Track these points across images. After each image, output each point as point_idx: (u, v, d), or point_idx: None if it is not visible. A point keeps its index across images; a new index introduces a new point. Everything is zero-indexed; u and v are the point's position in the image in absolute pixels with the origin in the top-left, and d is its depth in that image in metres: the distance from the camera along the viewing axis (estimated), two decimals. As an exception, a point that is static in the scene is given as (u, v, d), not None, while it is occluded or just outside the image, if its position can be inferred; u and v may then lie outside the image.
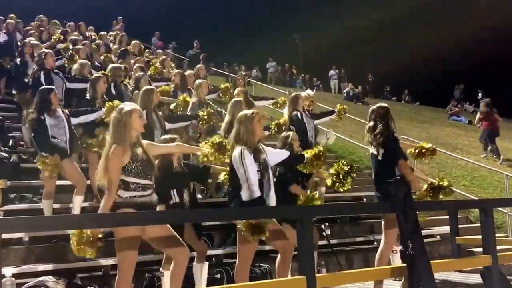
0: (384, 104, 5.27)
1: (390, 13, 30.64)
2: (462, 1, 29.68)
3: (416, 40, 30.63)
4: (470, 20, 28.89)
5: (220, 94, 9.22)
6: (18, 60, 9.26)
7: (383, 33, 31.34)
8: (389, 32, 30.98)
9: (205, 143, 4.92)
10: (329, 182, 5.38)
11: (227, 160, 4.72)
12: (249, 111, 4.59)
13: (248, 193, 4.30)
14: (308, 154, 5.04)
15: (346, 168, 5.20)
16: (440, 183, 5.63)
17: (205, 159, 4.86)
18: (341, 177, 5.20)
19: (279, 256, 4.69)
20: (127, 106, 4.09)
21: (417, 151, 5.66)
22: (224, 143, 4.76)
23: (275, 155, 4.72)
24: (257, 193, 4.30)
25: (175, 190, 5.03)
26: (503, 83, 27.41)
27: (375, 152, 5.00)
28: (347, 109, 8.68)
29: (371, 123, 5.08)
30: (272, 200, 4.40)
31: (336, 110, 8.41)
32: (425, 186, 5.71)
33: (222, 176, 5.30)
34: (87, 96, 7.05)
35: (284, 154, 4.88)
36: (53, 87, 6.37)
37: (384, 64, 28.19)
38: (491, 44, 28.98)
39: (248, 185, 4.28)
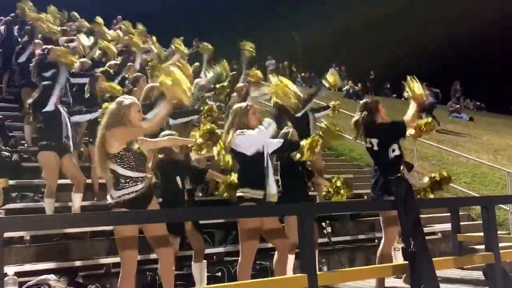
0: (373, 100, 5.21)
1: (391, 10, 30.61)
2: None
3: (416, 37, 30.59)
4: (471, 16, 28.85)
5: (216, 93, 9.22)
6: (23, 56, 9.23)
7: (383, 31, 31.30)
8: (389, 30, 30.94)
9: (196, 133, 4.90)
10: (323, 192, 5.39)
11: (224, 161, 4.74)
12: (244, 104, 4.62)
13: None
14: (304, 142, 4.97)
15: (339, 184, 5.20)
16: (441, 176, 5.67)
17: (198, 151, 4.84)
18: (336, 190, 5.21)
19: (276, 253, 4.69)
20: (127, 99, 4.06)
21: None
22: (215, 131, 4.74)
23: (271, 144, 4.69)
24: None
25: (178, 178, 5.05)
26: (503, 82, 27.38)
27: (369, 145, 4.93)
28: (340, 104, 8.62)
29: (357, 116, 5.01)
30: (272, 189, 4.39)
31: (330, 105, 8.38)
32: (426, 179, 5.72)
33: (230, 177, 5.24)
34: (86, 93, 7.14)
35: (279, 142, 4.87)
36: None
37: (384, 62, 28.18)
38: (492, 41, 28.94)
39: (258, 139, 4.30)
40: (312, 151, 4.90)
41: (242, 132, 4.35)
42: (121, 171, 3.85)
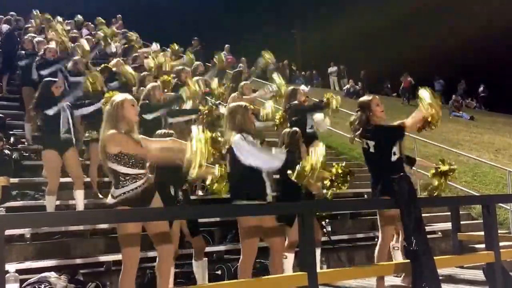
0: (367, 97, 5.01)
1: (391, 9, 30.59)
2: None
3: (416, 35, 30.59)
4: (471, 13, 28.85)
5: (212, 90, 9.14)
6: (23, 55, 9.24)
7: (382, 30, 31.27)
8: (388, 29, 30.91)
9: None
10: (327, 182, 5.26)
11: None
12: (243, 103, 4.59)
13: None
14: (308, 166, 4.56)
15: (345, 170, 5.01)
16: (445, 167, 5.63)
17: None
18: (340, 179, 5.04)
19: (271, 253, 4.69)
20: (118, 96, 4.06)
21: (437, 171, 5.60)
22: (218, 138, 4.70)
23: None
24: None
25: (172, 187, 5.01)
26: (504, 81, 27.35)
27: (366, 146, 4.77)
28: (335, 97, 8.07)
29: (353, 116, 4.89)
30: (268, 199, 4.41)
31: (324, 100, 7.49)
32: (432, 171, 5.66)
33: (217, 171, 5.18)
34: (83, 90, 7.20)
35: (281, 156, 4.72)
36: (55, 79, 6.41)
37: (384, 60, 28.14)
38: (492, 39, 28.94)
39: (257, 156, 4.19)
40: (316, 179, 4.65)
41: (243, 137, 4.27)
42: (121, 169, 3.86)
